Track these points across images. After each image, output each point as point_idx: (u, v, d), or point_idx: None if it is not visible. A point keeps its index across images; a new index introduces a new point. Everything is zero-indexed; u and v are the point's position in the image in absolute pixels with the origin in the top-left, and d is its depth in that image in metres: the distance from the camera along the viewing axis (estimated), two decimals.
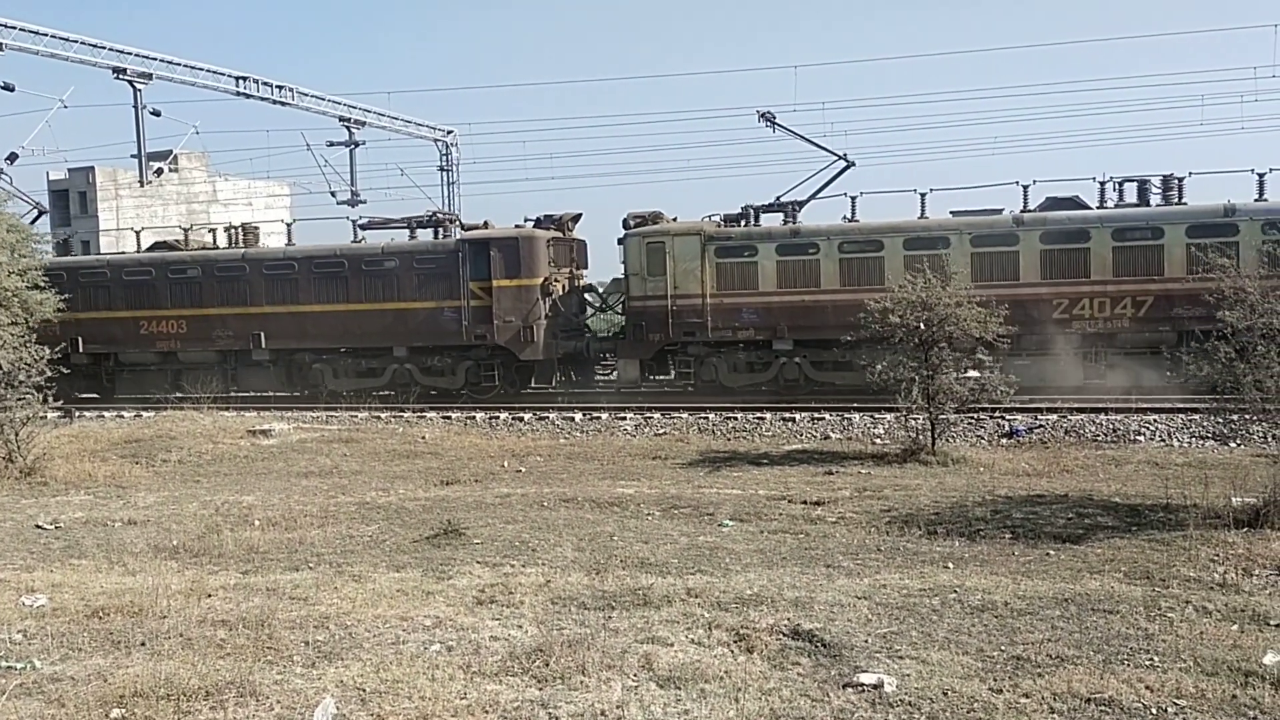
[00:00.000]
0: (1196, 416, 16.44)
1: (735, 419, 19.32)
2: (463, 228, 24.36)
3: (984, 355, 15.21)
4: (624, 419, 19.92)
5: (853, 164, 23.13)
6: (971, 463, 14.75)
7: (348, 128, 37.67)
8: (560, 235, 23.72)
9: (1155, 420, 17.14)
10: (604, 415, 20.25)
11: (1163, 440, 16.32)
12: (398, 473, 15.49)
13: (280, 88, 34.38)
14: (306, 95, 35.54)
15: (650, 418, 19.87)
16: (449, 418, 20.89)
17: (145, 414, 22.56)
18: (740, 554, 9.61)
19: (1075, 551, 9.36)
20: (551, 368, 24.05)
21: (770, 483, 13.67)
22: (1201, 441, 15.97)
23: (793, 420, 18.94)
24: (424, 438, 18.78)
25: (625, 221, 22.89)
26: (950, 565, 8.99)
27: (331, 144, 37.78)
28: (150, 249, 26.08)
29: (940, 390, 15.16)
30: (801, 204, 22.80)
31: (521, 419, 20.45)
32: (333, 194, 38.21)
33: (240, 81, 33.18)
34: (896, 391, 15.35)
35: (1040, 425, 17.38)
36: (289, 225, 26.76)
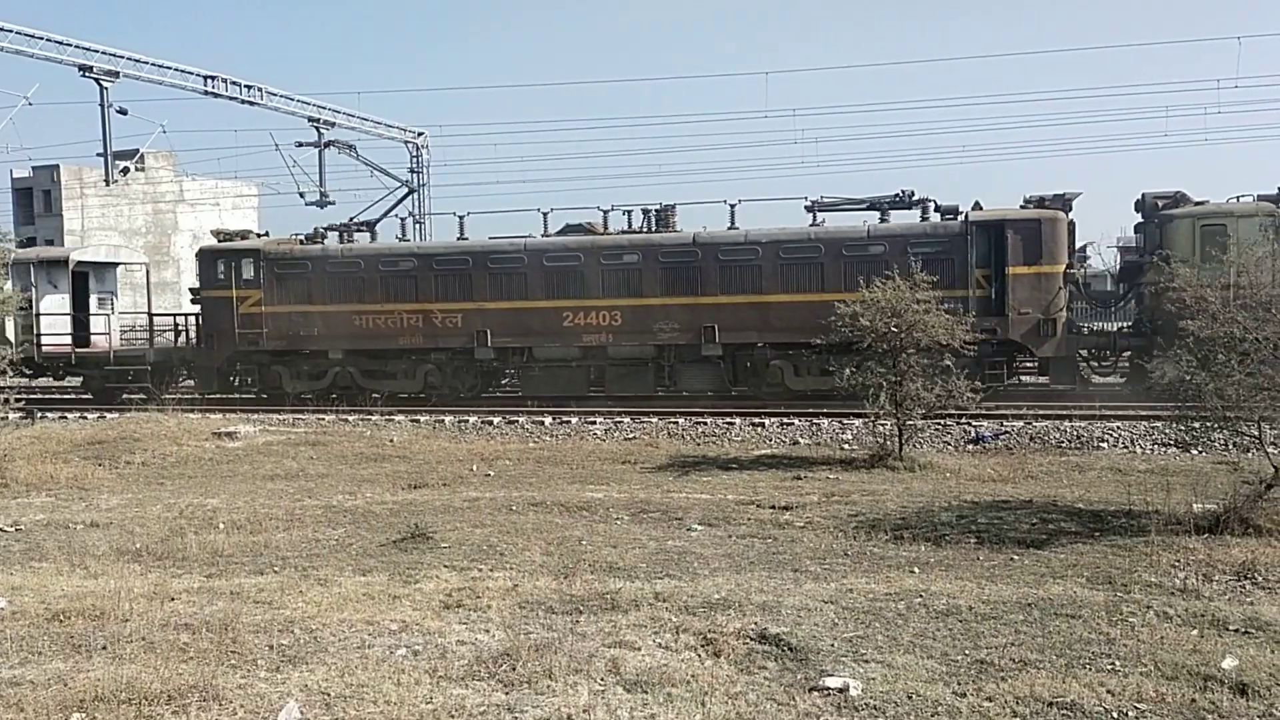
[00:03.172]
0: (1159, 424, 16.68)
1: (705, 423, 19.37)
2: (936, 209, 21.87)
3: (950, 362, 15.33)
4: (594, 423, 19.92)
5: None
6: (938, 468, 14.86)
7: (317, 128, 37.45)
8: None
9: (1118, 427, 17.36)
10: (574, 419, 20.23)
11: (1126, 447, 16.52)
12: (365, 476, 15.40)
13: (249, 87, 34.16)
14: (275, 95, 35.33)
15: (620, 422, 19.87)
16: (417, 421, 20.80)
17: (109, 415, 22.30)
18: (708, 558, 9.62)
19: (1039, 556, 9.46)
20: (1071, 365, 21.12)
21: (739, 487, 13.70)
22: (1164, 448, 16.18)
23: (762, 425, 19.01)
24: (392, 441, 18.67)
25: (1144, 202, 21.10)
26: (916, 570, 9.06)
27: (300, 144, 37.57)
28: (562, 231, 23.76)
29: (908, 396, 15.26)
30: None
31: (491, 423, 20.39)
32: (301, 195, 37.98)
33: (209, 81, 32.95)
34: (864, 397, 15.43)
35: (1006, 431, 17.55)
36: (462, 217, 24.92)
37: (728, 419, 19.53)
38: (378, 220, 25.91)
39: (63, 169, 52.72)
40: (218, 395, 24.58)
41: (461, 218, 24.07)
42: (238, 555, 10.09)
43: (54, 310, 26.08)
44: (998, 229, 20.73)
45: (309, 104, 37.17)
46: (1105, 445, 16.65)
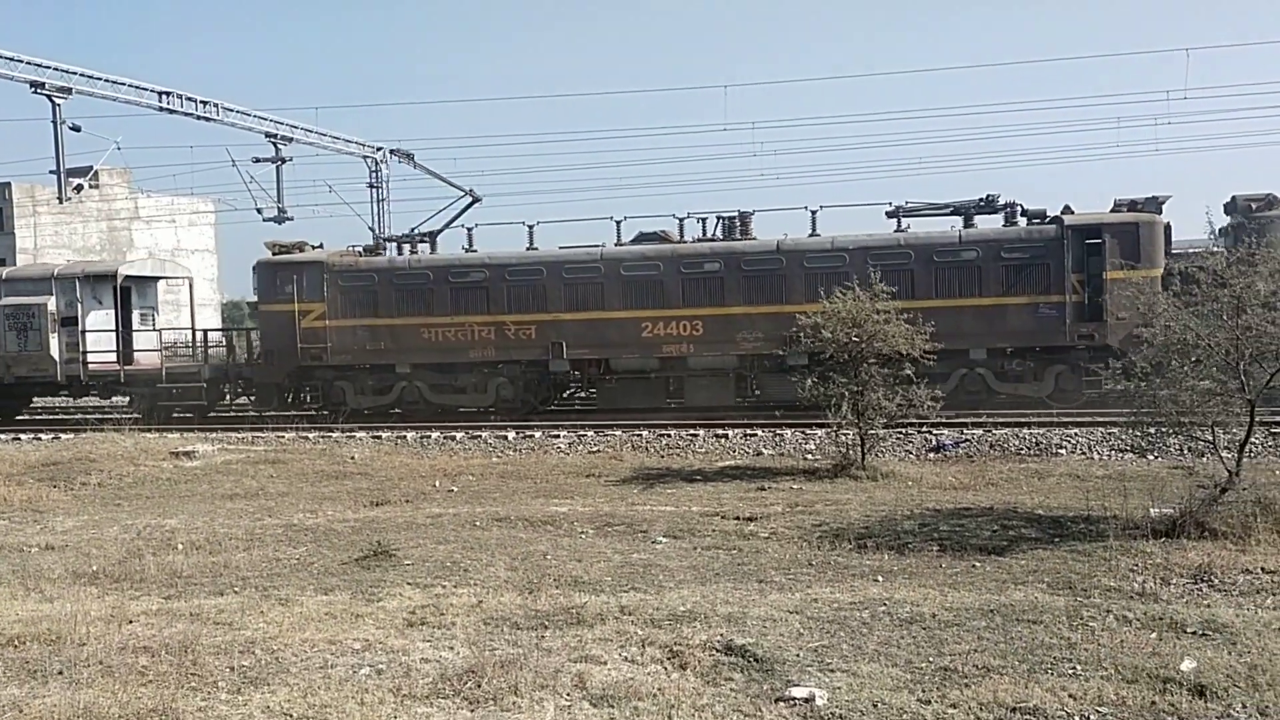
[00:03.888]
0: (1115, 430, 16.93)
1: (669, 435, 19.40)
2: (1019, 212, 21.53)
3: (910, 371, 15.46)
4: (557, 436, 19.88)
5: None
6: (900, 477, 14.99)
7: (274, 143, 37.14)
8: None
9: (1076, 434, 17.60)
10: (537, 434, 20.18)
11: (1084, 454, 16.75)
12: (326, 494, 15.26)
13: (204, 103, 33.79)
14: (231, 111, 34.98)
15: (584, 435, 19.86)
16: (379, 437, 20.65)
17: (64, 436, 21.92)
18: (673, 571, 9.63)
19: (1000, 563, 9.56)
20: None
21: (703, 499, 13.74)
22: (1121, 455, 16.41)
23: (726, 437, 19.07)
24: (353, 458, 18.53)
25: (1235, 204, 21.15)
26: (880, 578, 9.12)
27: (258, 160, 37.22)
28: (636, 241, 23.32)
29: (869, 406, 15.38)
30: None
31: (453, 438, 20.29)
32: (258, 211, 37.62)
33: (163, 97, 32.55)
34: (826, 407, 15.53)
35: (966, 440, 17.73)
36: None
37: (691, 431, 19.58)
38: (439, 231, 25.66)
39: (14, 186, 51.87)
40: (272, 412, 23.77)
41: (531, 227, 23.68)
42: (197, 576, 9.95)
43: (100, 327, 25.44)
44: (1094, 233, 20.51)
45: (266, 119, 36.86)
46: (1064, 452, 16.87)
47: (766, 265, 21.87)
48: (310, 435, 21.13)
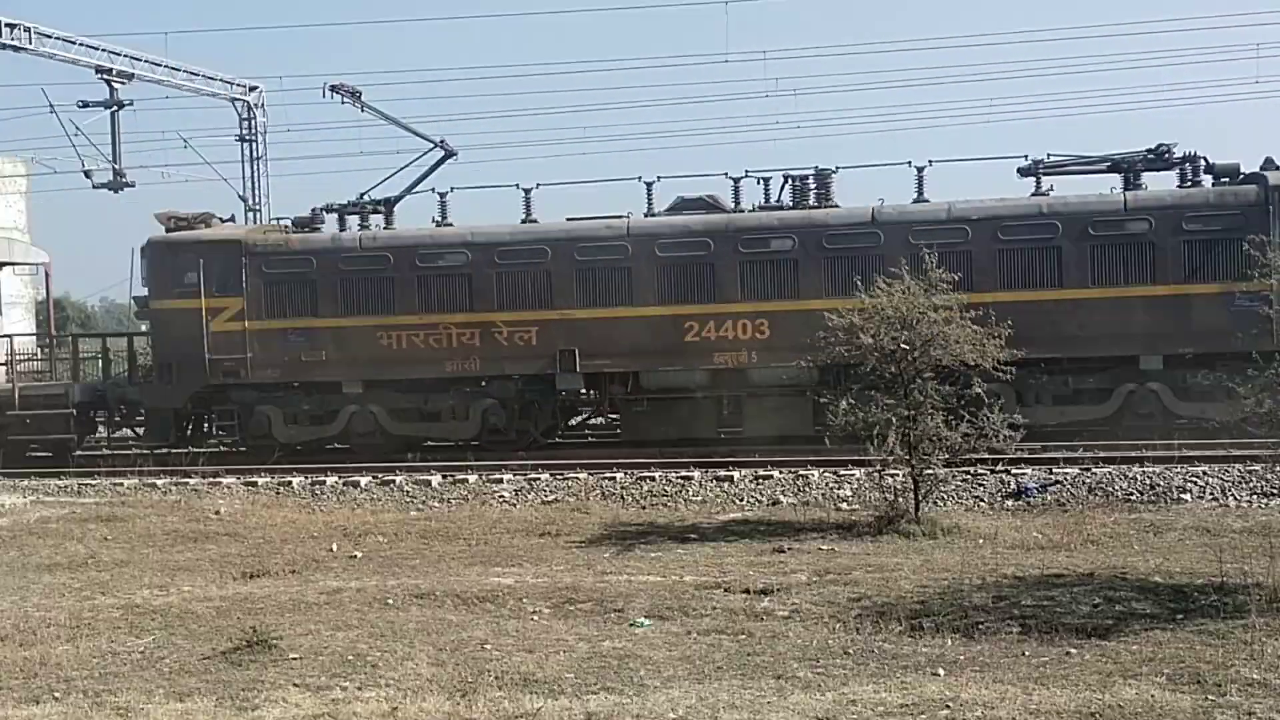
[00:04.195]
0: (1258, 467, 17.04)
1: (651, 479, 19.38)
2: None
3: (980, 389, 15.52)
4: (499, 482, 19.83)
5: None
6: (967, 532, 15.00)
7: (109, 82, 36.98)
8: None
9: (1205, 473, 17.70)
10: (471, 478, 20.14)
11: (1215, 499, 16.86)
12: (180, 563, 15.15)
13: (11, 26, 33.64)
14: (49, 38, 34.79)
15: (535, 480, 19.82)
16: (253, 484, 20.54)
17: None
18: (660, 664, 9.60)
19: (1104, 649, 9.58)
20: None
21: (700, 565, 13.70)
22: (1265, 500, 16.52)
23: (730, 480, 19.08)
24: (218, 512, 18.42)
25: None
26: (941, 671, 9.13)
27: (85, 104, 37.03)
28: (676, 209, 22.87)
29: (925, 436, 15.41)
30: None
31: (356, 484, 20.20)
32: (87, 174, 37.34)
33: None
34: (867, 439, 15.56)
35: (1057, 481, 17.79)
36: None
37: (683, 473, 19.57)
38: (399, 197, 24.75)
39: None
40: (159, 448, 23.60)
41: (527, 191, 23.37)
42: (3, 678, 9.84)
43: None
44: None
45: (97, 49, 36.68)
46: (1188, 497, 16.97)
47: (858, 242, 21.63)
48: (158, 482, 20.99)
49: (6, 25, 33.51)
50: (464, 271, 22.81)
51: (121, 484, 21.02)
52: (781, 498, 18.25)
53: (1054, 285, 20.75)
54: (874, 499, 16.69)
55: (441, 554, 15.15)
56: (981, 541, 14.55)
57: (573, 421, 25.08)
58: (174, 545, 16.39)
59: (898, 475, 16.12)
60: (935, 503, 16.45)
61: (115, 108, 37.06)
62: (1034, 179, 22.07)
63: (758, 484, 18.91)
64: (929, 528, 15.14)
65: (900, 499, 15.87)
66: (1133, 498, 17.10)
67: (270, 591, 13.05)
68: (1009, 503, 17.31)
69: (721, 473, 19.47)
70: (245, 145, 42.48)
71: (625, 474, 19.79)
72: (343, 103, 25.46)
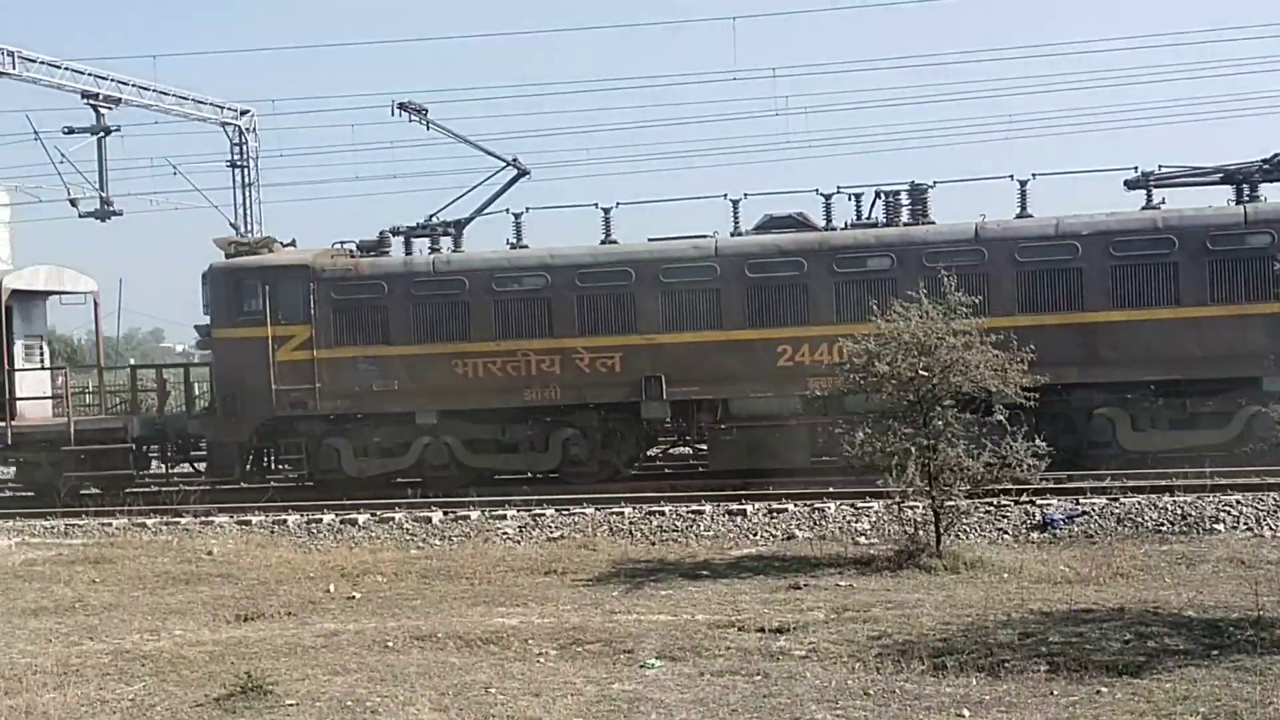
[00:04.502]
0: None
1: (662, 514, 19.37)
2: None
3: (1002, 416, 15.50)
4: (502, 518, 19.82)
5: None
6: (991, 566, 14.97)
7: (95, 107, 37.17)
8: None
9: (1239, 502, 17.66)
10: (473, 514, 20.13)
11: (1249, 529, 16.81)
12: (172, 606, 15.15)
13: None
14: (33, 62, 35.01)
15: (540, 516, 19.80)
16: (246, 523, 20.53)
17: None
18: (672, 707, 9.57)
19: (1135, 687, 9.53)
20: None
21: (713, 603, 13.69)
22: None
23: (743, 514, 19.05)
24: (210, 553, 18.42)
25: None
26: (966, 713, 9.09)
27: (71, 130, 37.20)
28: (763, 227, 22.77)
29: (946, 467, 15.40)
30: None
31: (354, 522, 20.19)
32: (73, 202, 37.49)
33: None
34: (885, 470, 15.54)
35: (1084, 512, 17.75)
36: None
37: (694, 507, 19.55)
38: (469, 219, 24.66)
39: None
40: (224, 483, 23.51)
41: (607, 211, 23.26)
42: None
43: None
44: None
45: (83, 73, 36.89)
46: (1221, 527, 16.92)
47: (961, 259, 21.06)
48: (148, 522, 20.99)
49: None
50: (543, 295, 22.71)
51: (110, 524, 21.02)
52: (797, 532, 18.22)
53: (1170, 303, 20.53)
54: (893, 532, 16.67)
55: (443, 594, 15.12)
56: (1006, 576, 14.52)
57: (651, 452, 24.90)
58: (165, 587, 16.39)
59: (918, 507, 16.09)
60: (957, 536, 16.41)
61: (102, 133, 37.22)
62: (1144, 191, 21.85)
63: (772, 518, 18.88)
64: (951, 562, 15.10)
65: (921, 532, 15.85)
66: (1163, 528, 17.05)
67: (265, 635, 13.03)
68: (1034, 535, 17.27)
69: (734, 506, 19.45)
70: (236, 171, 42.64)
71: (634, 509, 19.77)
72: (410, 120, 25.19)
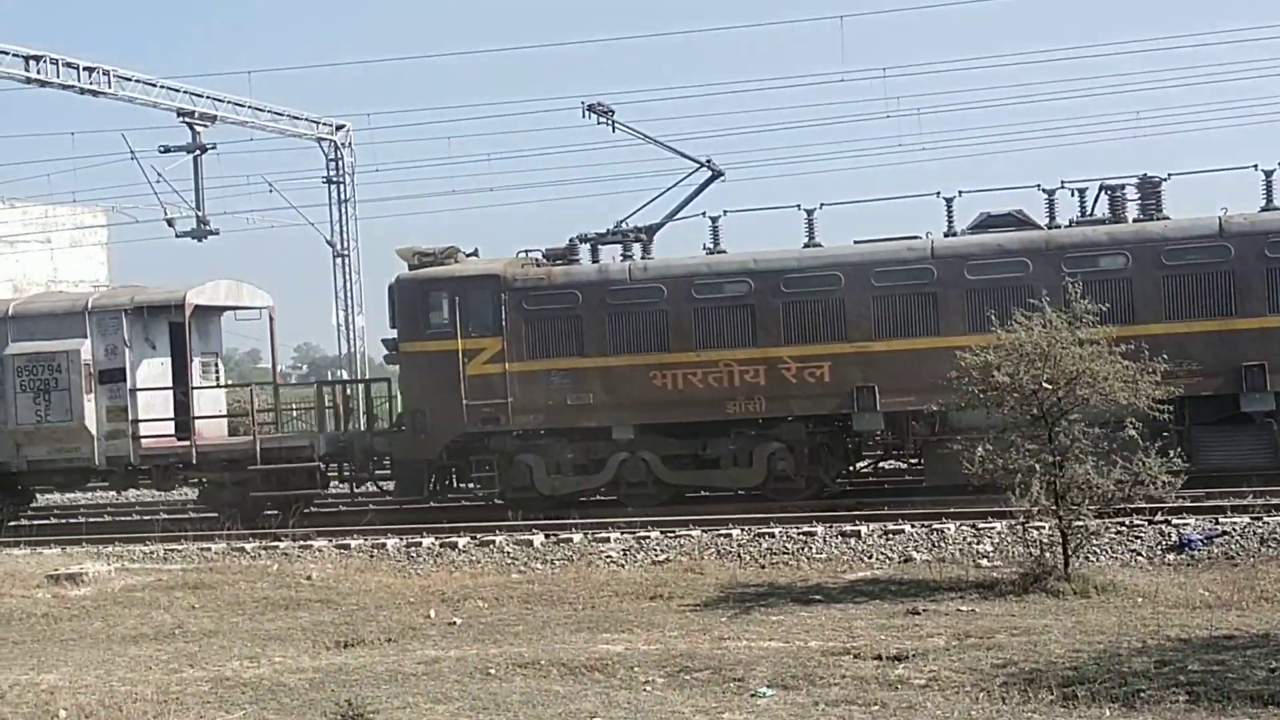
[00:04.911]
0: None
1: (770, 536, 19.30)
2: None
3: (1135, 430, 15.25)
4: (606, 541, 19.87)
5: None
6: (1124, 590, 14.75)
7: (190, 125, 37.89)
8: None
9: None
10: (575, 537, 20.20)
11: None
12: (271, 632, 15.38)
13: (90, 70, 34.62)
14: (129, 80, 35.80)
15: (645, 538, 19.82)
16: (345, 548, 20.79)
17: None
18: None
19: None
20: None
21: (826, 629, 13.61)
22: None
23: (857, 536, 18.92)
24: (309, 578, 18.68)
25: None
26: None
27: (166, 149, 37.95)
28: (981, 226, 22.49)
29: (1073, 484, 15.18)
30: None
31: (454, 545, 20.36)
32: (169, 222, 38.31)
33: (31, 63, 33.35)
34: (1008, 488, 15.35)
35: (1224, 532, 17.40)
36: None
37: (805, 528, 19.45)
38: (660, 224, 24.54)
39: None
40: (413, 503, 23.63)
41: (810, 213, 22.95)
42: None
43: (156, 383, 24.78)
44: None
45: (178, 91, 37.64)
46: None
47: (1203, 257, 20.78)
48: (247, 546, 21.34)
49: (85, 69, 34.50)
50: (746, 302, 22.33)
51: (209, 549, 21.40)
52: (914, 554, 18.06)
53: None
54: (1018, 554, 16.46)
55: (545, 619, 15.20)
56: (1140, 600, 14.27)
57: (857, 466, 24.61)
58: (264, 613, 16.67)
59: (1044, 528, 15.87)
60: (1086, 558, 16.13)
61: (198, 152, 37.93)
62: None
63: (887, 539, 18.73)
64: (1080, 585, 14.88)
65: (1047, 554, 15.62)
66: None
67: (365, 661, 13.19)
68: (1170, 556, 16.97)
69: (848, 527, 19.31)
70: (332, 187, 43.22)
71: (742, 530, 19.71)
72: (598, 123, 25.10)
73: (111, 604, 17.53)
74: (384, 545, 20.84)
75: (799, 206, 23.15)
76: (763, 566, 18.12)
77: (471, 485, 23.92)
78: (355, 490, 25.90)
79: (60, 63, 33.88)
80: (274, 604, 17.15)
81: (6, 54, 32.99)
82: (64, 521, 24.85)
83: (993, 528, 18.24)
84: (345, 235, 43.44)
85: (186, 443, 24.29)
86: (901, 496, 22.33)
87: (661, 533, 20.07)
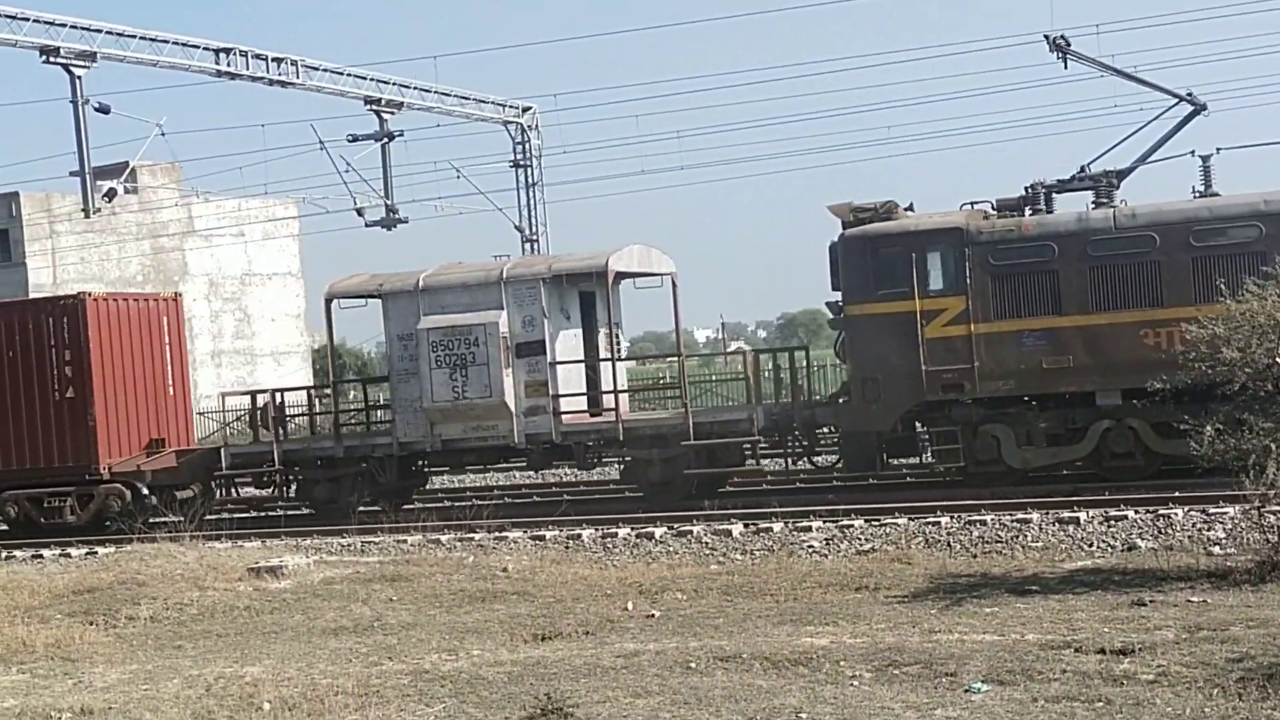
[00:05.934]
0: None
1: (983, 523, 19.02)
2: None
3: None
4: (808, 530, 19.79)
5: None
6: None
7: (378, 113, 38.64)
8: None
9: None
10: (776, 526, 20.16)
11: None
12: (469, 624, 15.67)
13: (278, 61, 35.57)
14: (316, 70, 36.68)
15: (848, 527, 19.69)
16: (540, 539, 21.07)
17: (101, 550, 23.31)
18: None
19: None
20: None
21: (1044, 621, 13.40)
22: None
23: (1075, 523, 18.54)
24: (505, 570, 18.97)
25: None
26: None
27: (355, 139, 38.79)
28: None
29: None
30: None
31: (650, 536, 20.49)
32: (359, 212, 39.17)
33: (221, 56, 34.38)
34: (1241, 469, 14.89)
35: None
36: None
37: (1019, 515, 19.11)
38: (1130, 168, 23.46)
39: (23, 198, 55.50)
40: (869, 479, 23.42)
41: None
42: None
43: (571, 355, 24.71)
44: None
45: (364, 79, 38.43)
46: None
47: None
48: (443, 538, 21.79)
49: (273, 60, 35.47)
50: (1254, 249, 20.61)
51: (405, 540, 21.90)
52: (1139, 541, 17.60)
53: None
54: (1253, 541, 15.94)
55: (746, 612, 15.20)
56: None
57: None
58: (461, 605, 16.96)
59: None
60: None
61: (385, 139, 38.74)
62: None
63: (1108, 526, 18.29)
64: None
65: None
66: None
67: (563, 655, 13.36)
68: None
69: (1065, 514, 18.93)
70: (519, 171, 43.68)
71: (951, 518, 19.47)
72: (1058, 57, 24.22)
73: (311, 596, 18.03)
74: (579, 536, 21.09)
75: None
76: (974, 555, 17.86)
77: (931, 458, 23.37)
78: (791, 465, 25.09)
79: (250, 55, 34.85)
80: (471, 596, 17.43)
81: (197, 48, 34.13)
82: (266, 515, 25.54)
83: (1224, 513, 17.69)
84: (534, 219, 43.88)
85: (611, 418, 24.28)
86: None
87: (866, 521, 19.90)
